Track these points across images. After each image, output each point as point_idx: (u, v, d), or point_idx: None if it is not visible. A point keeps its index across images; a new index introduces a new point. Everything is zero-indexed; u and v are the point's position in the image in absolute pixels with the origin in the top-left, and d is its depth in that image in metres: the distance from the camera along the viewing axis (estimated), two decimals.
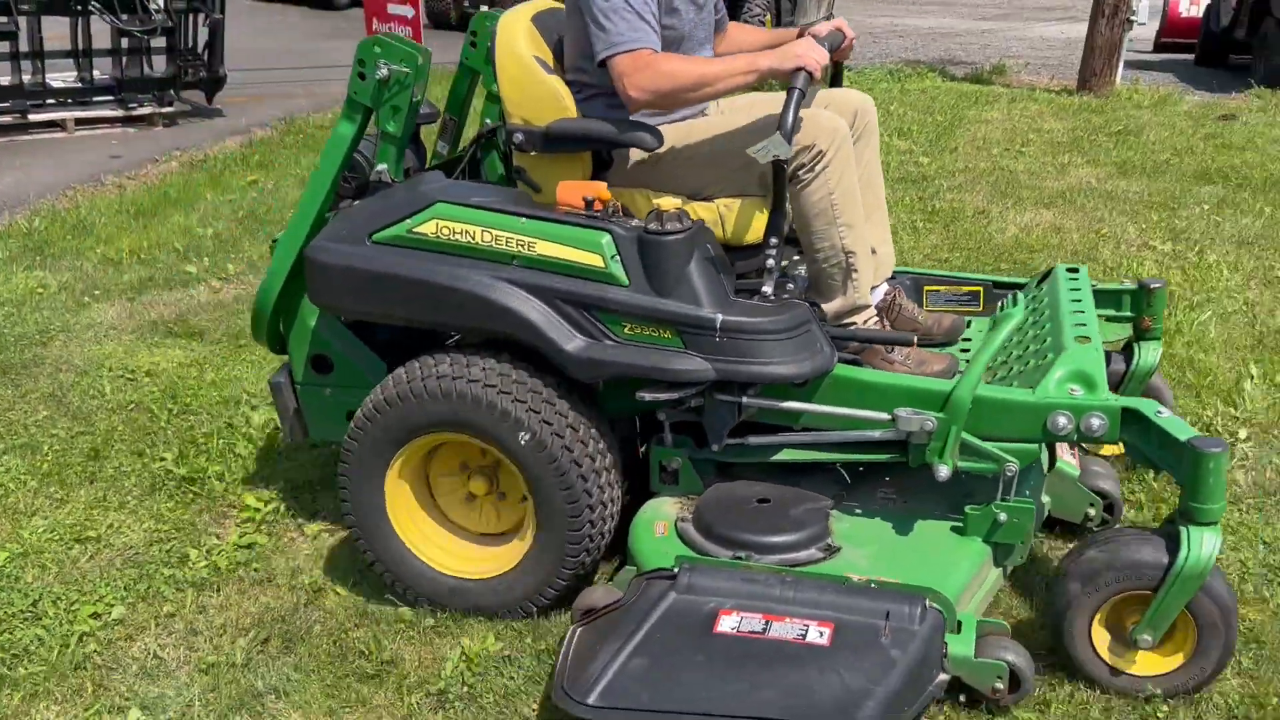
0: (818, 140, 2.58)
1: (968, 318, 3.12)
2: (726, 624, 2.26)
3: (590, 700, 2.13)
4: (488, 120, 3.34)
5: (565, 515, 2.52)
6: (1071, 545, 2.71)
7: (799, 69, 2.47)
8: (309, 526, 3.08)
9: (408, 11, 8.97)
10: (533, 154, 2.67)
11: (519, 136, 2.66)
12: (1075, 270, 3.08)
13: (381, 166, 2.85)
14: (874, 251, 2.85)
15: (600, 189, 2.54)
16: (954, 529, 2.52)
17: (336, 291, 2.68)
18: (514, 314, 2.48)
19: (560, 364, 2.49)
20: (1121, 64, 9.22)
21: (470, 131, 3.41)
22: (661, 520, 2.62)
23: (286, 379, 2.95)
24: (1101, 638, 2.34)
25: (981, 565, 2.47)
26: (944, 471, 2.42)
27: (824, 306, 2.73)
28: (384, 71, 2.73)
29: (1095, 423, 2.37)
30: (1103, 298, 3.01)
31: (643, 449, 2.86)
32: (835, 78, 3.09)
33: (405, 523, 2.69)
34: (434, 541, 2.72)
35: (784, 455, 2.64)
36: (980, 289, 3.24)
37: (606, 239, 2.45)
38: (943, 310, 3.19)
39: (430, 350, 2.63)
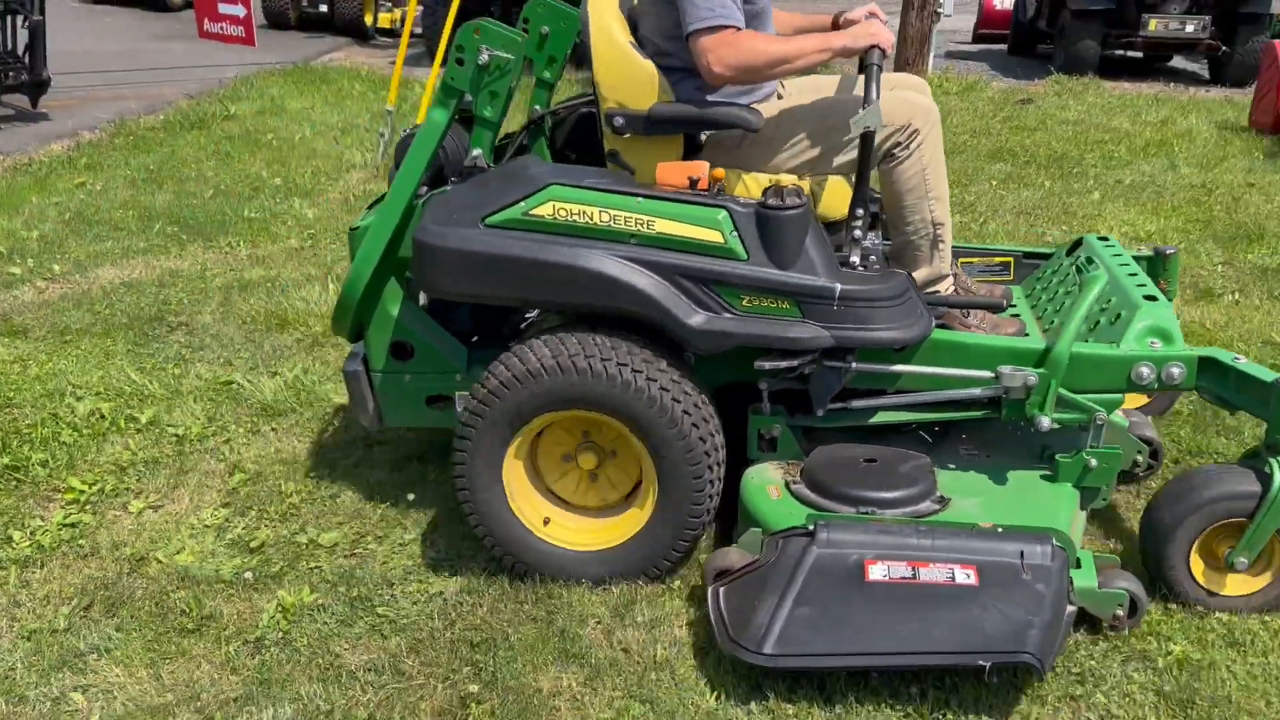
0: (914, 119, 2.74)
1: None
2: (876, 573, 2.38)
3: (767, 650, 2.29)
4: (536, 107, 3.38)
5: (689, 483, 2.62)
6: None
7: (873, 46, 2.65)
8: (133, 504, 3.19)
9: (239, 11, 8.97)
10: (627, 137, 2.78)
11: (619, 120, 2.76)
12: (1106, 239, 3.36)
13: (476, 152, 2.90)
14: None
15: (703, 168, 2.66)
16: (1044, 477, 2.75)
17: (452, 276, 2.68)
18: (636, 290, 2.56)
19: (683, 337, 2.59)
20: (931, 53, 9.81)
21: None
22: (771, 484, 2.73)
23: (361, 367, 2.98)
24: (1198, 565, 2.62)
25: (1076, 505, 2.69)
26: (1045, 423, 2.63)
27: (913, 275, 2.86)
28: (485, 57, 2.76)
29: (1175, 371, 2.65)
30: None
31: None
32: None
33: (522, 502, 2.76)
34: (551, 518, 2.80)
35: (881, 417, 2.83)
36: (1011, 259, 3.50)
37: (724, 215, 2.56)
38: (979, 280, 3.39)
39: (540, 333, 2.71)
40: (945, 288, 2.95)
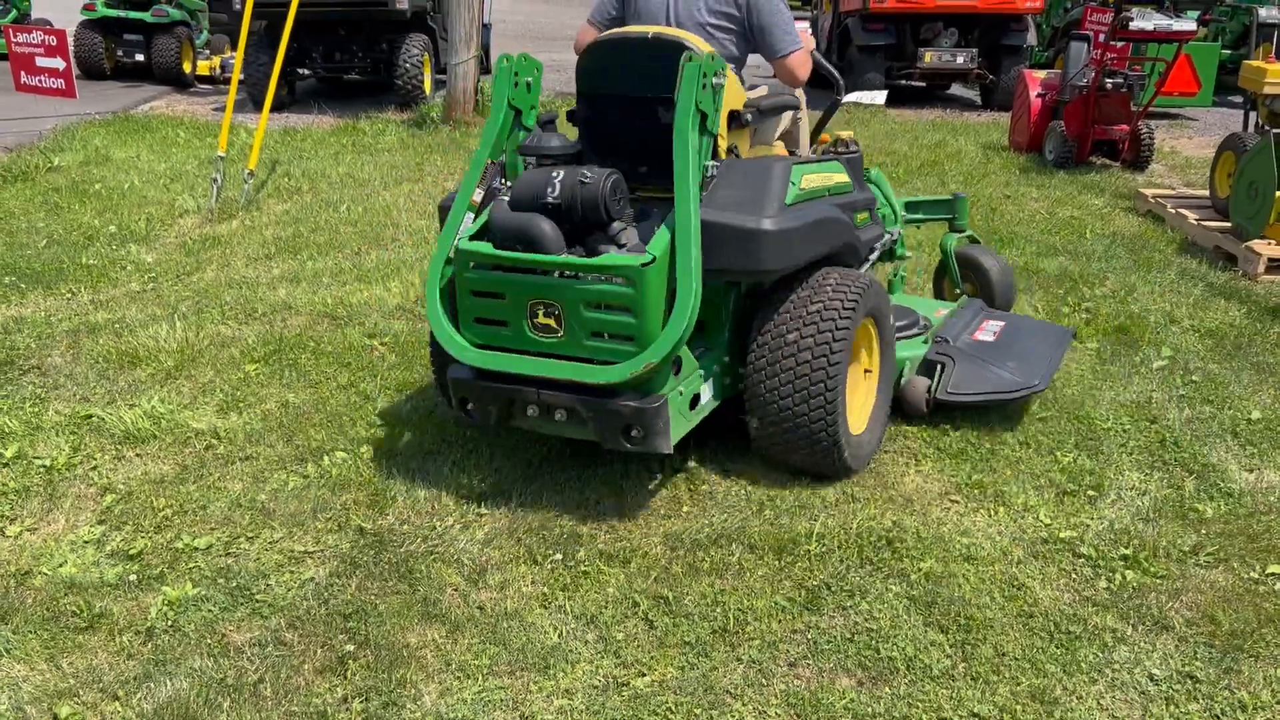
0: None
1: None
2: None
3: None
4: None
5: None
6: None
7: None
8: (9, 529, 3.42)
9: (58, 64, 8.97)
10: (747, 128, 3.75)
11: (748, 116, 3.62)
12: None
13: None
14: None
15: (825, 139, 4.23)
16: None
17: (786, 251, 3.43)
18: (850, 228, 3.79)
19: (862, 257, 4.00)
20: None
21: None
22: None
23: (662, 403, 3.44)
24: None
25: None
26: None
27: None
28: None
29: None
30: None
31: None
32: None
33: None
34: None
35: None
36: None
37: (840, 166, 3.86)
38: None
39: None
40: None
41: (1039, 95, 9.04)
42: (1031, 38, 12.36)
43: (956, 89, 14.18)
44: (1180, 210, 6.93)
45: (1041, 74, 9.27)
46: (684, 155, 3.21)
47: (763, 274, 3.44)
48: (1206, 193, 7.13)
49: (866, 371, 3.80)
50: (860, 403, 3.73)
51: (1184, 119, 12.21)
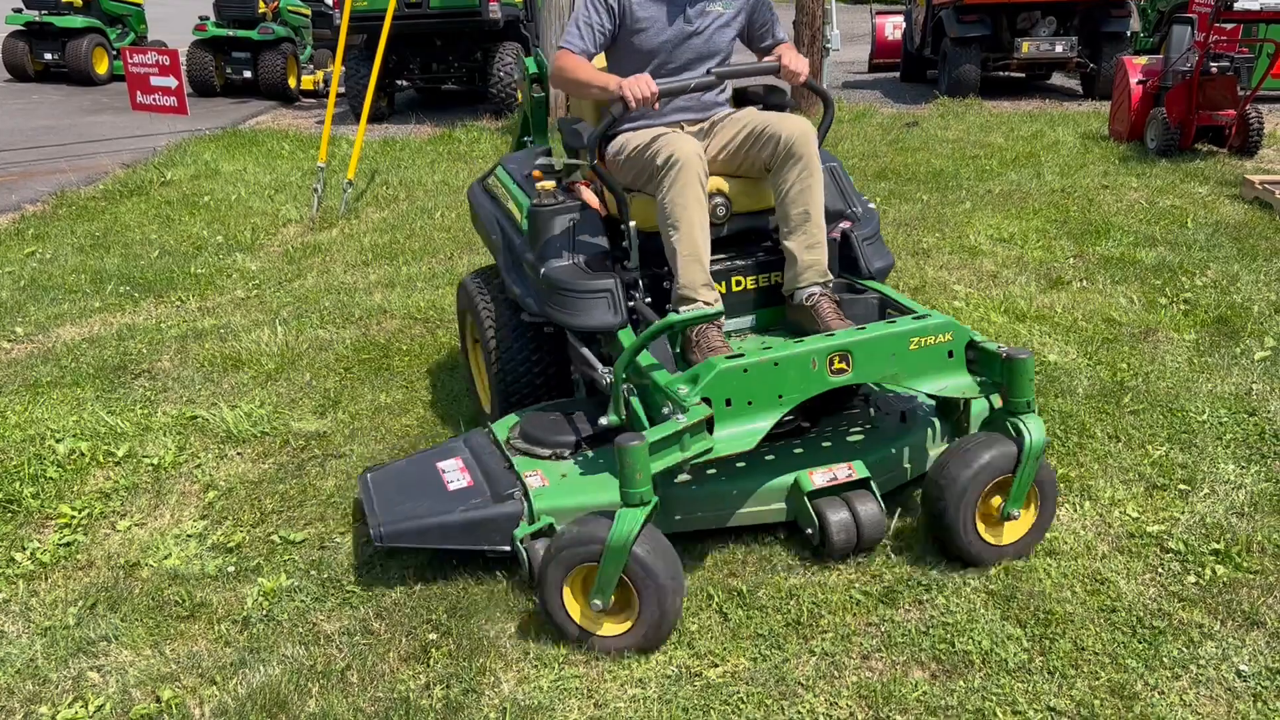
0: (658, 158, 3.30)
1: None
2: (443, 464, 3.37)
3: (367, 476, 3.40)
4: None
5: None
6: None
7: (619, 99, 3.28)
8: (120, 524, 3.62)
9: (171, 83, 9.39)
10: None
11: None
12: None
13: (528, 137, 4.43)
14: (797, 258, 3.40)
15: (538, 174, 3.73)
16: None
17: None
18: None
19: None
20: (825, 84, 10.55)
21: None
22: (532, 411, 3.58)
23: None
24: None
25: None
26: (603, 420, 3.13)
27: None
28: (517, 77, 4.00)
29: (679, 416, 2.81)
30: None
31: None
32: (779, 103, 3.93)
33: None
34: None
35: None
36: None
37: (526, 204, 3.60)
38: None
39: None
40: (684, 310, 3.30)
41: (1139, 82, 8.78)
42: (1135, 23, 11.99)
43: (1057, 79, 13.83)
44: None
45: (1142, 60, 9.00)
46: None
47: None
48: None
49: None
50: None
51: None
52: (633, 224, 3.44)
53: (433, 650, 2.86)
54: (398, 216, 7.62)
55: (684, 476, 3.14)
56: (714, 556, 3.20)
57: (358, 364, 4.86)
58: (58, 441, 4.21)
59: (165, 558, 3.40)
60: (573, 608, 2.83)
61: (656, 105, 3.35)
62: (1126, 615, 2.81)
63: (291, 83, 14.29)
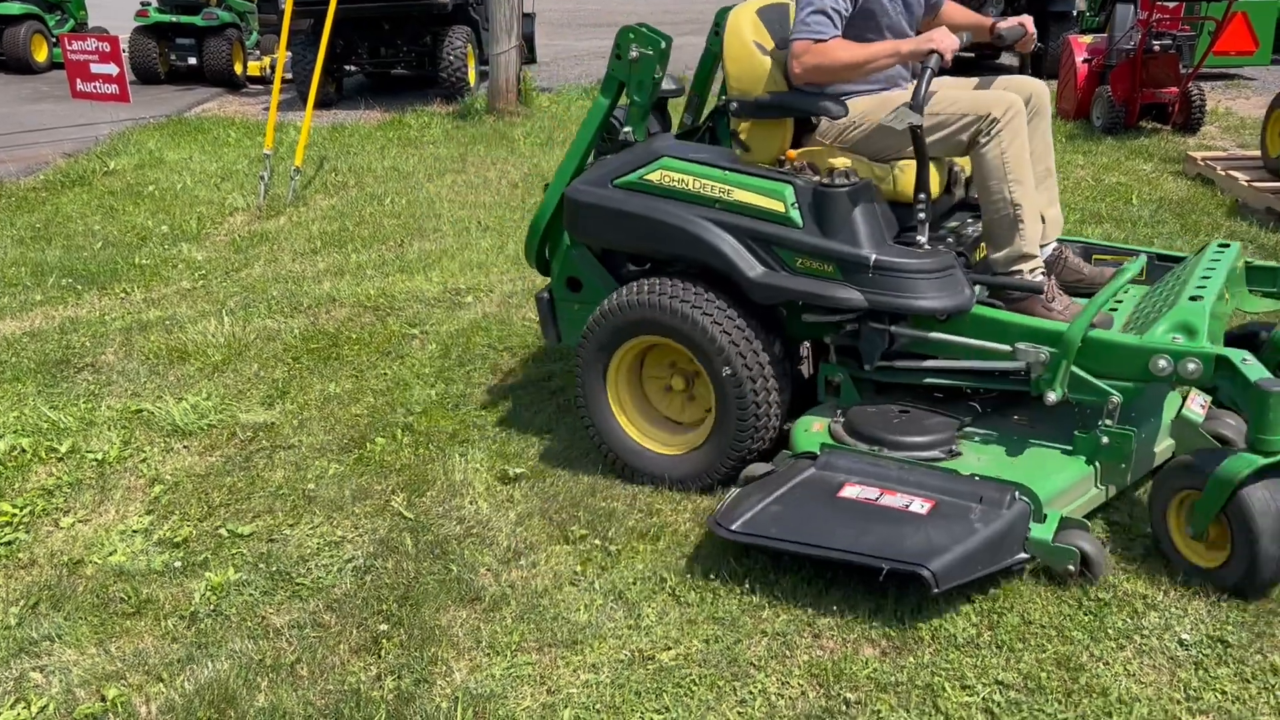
0: (993, 109, 3.11)
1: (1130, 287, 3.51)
2: (849, 492, 2.91)
3: (733, 527, 2.86)
4: (724, 96, 3.85)
5: (735, 406, 3.23)
6: None
7: (931, 51, 3.03)
8: (63, 520, 3.55)
9: (112, 70, 9.16)
10: (745, 120, 3.33)
11: (734, 105, 3.35)
12: (1226, 245, 3.51)
13: (628, 129, 3.63)
14: (1043, 217, 3.36)
15: (790, 152, 3.35)
16: (1065, 450, 3.03)
17: (585, 224, 3.50)
18: (711, 246, 3.20)
19: (745, 289, 3.18)
20: None
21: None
22: (819, 421, 3.26)
23: (548, 296, 3.80)
24: (1178, 533, 2.85)
25: (1080, 479, 2.96)
26: (1052, 397, 2.93)
27: (994, 255, 3.24)
28: (634, 53, 3.54)
29: (1191, 366, 2.78)
30: (1258, 274, 3.56)
31: (809, 371, 3.50)
32: (1023, 66, 3.91)
33: (620, 405, 3.52)
34: (639, 422, 3.54)
35: (911, 379, 3.24)
36: (1144, 260, 3.61)
37: (789, 190, 3.14)
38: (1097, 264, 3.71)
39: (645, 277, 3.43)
40: (1029, 269, 3.24)
41: (1084, 60, 8.87)
42: (1080, 2, 12.10)
43: (1006, 58, 13.93)
44: (1230, 172, 6.76)
45: (1087, 39, 9.08)
46: (587, 116, 3.70)
47: (574, 236, 3.62)
48: (1259, 153, 6.95)
49: None
50: None
51: (1241, 79, 11.88)
52: (924, 195, 3.14)
53: (384, 641, 2.84)
54: (347, 204, 7.53)
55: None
56: (668, 539, 3.21)
57: (306, 353, 4.80)
58: None
59: (110, 554, 3.34)
60: (1175, 532, 2.84)
61: (949, 59, 3.11)
62: (1073, 589, 2.85)
63: (238, 69, 14.05)
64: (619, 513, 3.37)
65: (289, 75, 12.06)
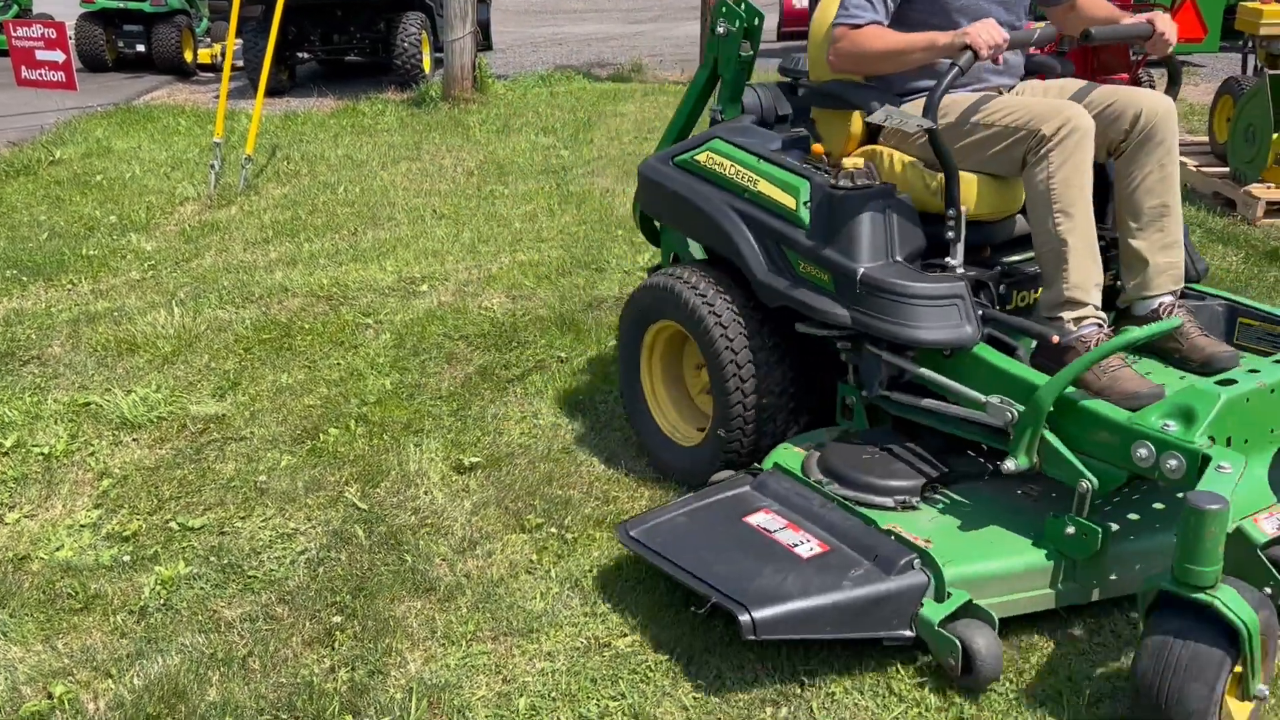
0: (1044, 126, 2.68)
1: (1245, 354, 2.83)
2: (755, 519, 2.66)
3: (632, 533, 2.74)
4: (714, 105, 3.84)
5: (724, 403, 3.09)
6: None
7: (965, 47, 2.67)
8: (8, 516, 3.47)
9: (58, 57, 8.97)
10: (820, 110, 3.22)
11: (802, 90, 3.27)
12: None
13: (717, 107, 3.56)
14: (1148, 261, 2.87)
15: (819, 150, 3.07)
16: (1035, 534, 2.51)
17: (647, 199, 3.50)
18: (729, 237, 3.05)
19: (754, 287, 3.02)
20: None
21: None
22: (810, 443, 2.98)
23: (659, 269, 3.74)
24: None
25: (1028, 571, 2.46)
26: (1009, 465, 2.46)
27: (1042, 297, 2.81)
28: (721, 29, 3.52)
29: (1172, 463, 2.24)
30: None
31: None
32: (1135, 80, 3.38)
33: (651, 386, 3.50)
34: (666, 406, 3.50)
35: (911, 415, 2.81)
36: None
37: (805, 186, 2.86)
38: (1247, 346, 2.96)
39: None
40: (1075, 317, 2.73)
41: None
42: None
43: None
44: (1179, 157, 6.84)
45: (1038, 25, 9.14)
46: (687, 91, 3.99)
47: (643, 209, 3.68)
48: (1206, 139, 7.05)
49: None
50: None
51: (1190, 65, 12.03)
52: (965, 209, 2.78)
53: (337, 633, 2.82)
54: (299, 192, 7.44)
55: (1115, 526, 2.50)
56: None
57: (258, 344, 4.74)
58: None
59: (57, 549, 3.28)
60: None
61: (1001, 59, 2.80)
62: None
63: (188, 56, 13.81)
64: (575, 501, 3.36)
65: (240, 63, 11.87)
